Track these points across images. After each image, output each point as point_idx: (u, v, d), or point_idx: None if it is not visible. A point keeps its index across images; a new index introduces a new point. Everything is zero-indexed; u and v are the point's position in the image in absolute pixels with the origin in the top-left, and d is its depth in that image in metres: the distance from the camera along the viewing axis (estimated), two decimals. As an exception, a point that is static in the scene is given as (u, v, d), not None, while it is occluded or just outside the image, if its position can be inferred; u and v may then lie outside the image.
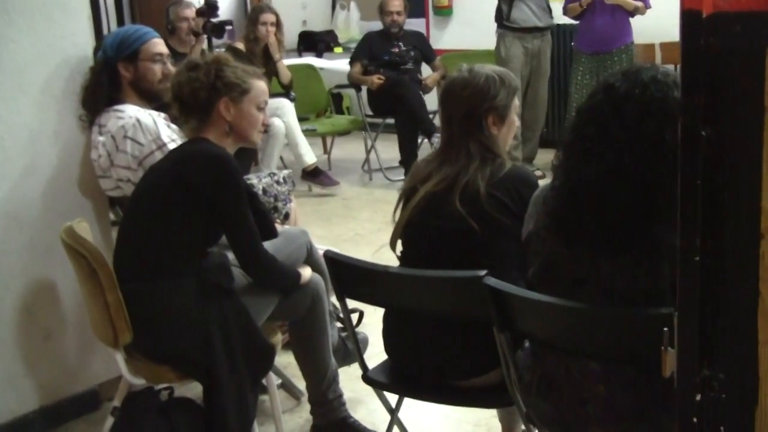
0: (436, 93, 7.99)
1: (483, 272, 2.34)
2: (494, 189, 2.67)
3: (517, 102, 2.85)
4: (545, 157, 7.50)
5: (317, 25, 10.47)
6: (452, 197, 2.67)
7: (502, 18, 7.14)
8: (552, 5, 7.22)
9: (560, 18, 7.32)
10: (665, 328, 1.49)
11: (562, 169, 2.28)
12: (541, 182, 2.68)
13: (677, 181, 2.00)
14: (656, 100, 2.10)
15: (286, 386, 3.71)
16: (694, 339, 1.25)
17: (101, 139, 3.39)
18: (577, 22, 7.04)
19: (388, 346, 2.90)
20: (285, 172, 4.00)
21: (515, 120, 2.86)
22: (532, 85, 7.24)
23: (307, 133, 7.31)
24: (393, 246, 2.88)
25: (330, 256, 2.70)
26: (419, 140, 7.47)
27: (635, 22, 6.84)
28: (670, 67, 2.26)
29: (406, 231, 2.82)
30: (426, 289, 2.60)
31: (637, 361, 2.18)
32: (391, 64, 7.52)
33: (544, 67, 7.28)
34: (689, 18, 1.16)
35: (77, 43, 3.49)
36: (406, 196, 2.86)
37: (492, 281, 2.32)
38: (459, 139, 2.76)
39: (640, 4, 6.66)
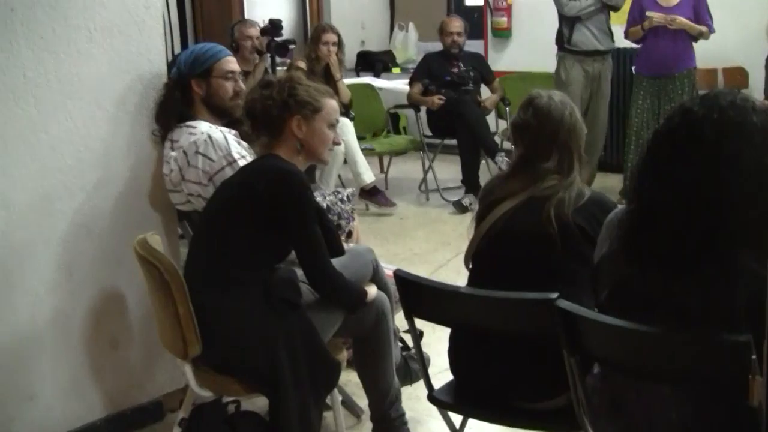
0: (495, 115, 8.01)
1: (554, 294, 2.35)
2: (576, 215, 2.72)
3: None
4: (603, 180, 7.47)
5: (375, 46, 10.53)
6: (542, 216, 2.73)
7: (563, 41, 7.12)
8: (613, 28, 7.19)
9: (621, 41, 7.29)
10: (753, 356, 1.49)
11: (636, 192, 2.29)
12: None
13: (755, 205, 2.02)
14: (735, 124, 2.10)
15: (347, 403, 3.71)
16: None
17: (173, 154, 3.45)
18: (639, 46, 6.99)
19: (454, 365, 2.90)
20: (348, 190, 4.03)
21: None
22: (592, 108, 7.17)
23: (365, 152, 7.32)
24: (468, 261, 2.90)
25: (400, 275, 2.71)
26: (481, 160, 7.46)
27: (697, 46, 6.77)
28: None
29: (483, 246, 2.85)
30: (496, 310, 2.59)
31: (711, 387, 2.17)
32: (451, 85, 7.52)
33: (604, 90, 7.23)
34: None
35: (152, 60, 3.55)
36: (482, 213, 2.90)
37: (563, 304, 2.31)
38: (541, 159, 2.84)
39: (704, 28, 6.57)
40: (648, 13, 6.60)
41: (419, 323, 2.85)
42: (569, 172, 2.83)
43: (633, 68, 7.29)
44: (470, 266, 2.93)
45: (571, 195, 2.76)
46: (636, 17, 6.76)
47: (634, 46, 7.17)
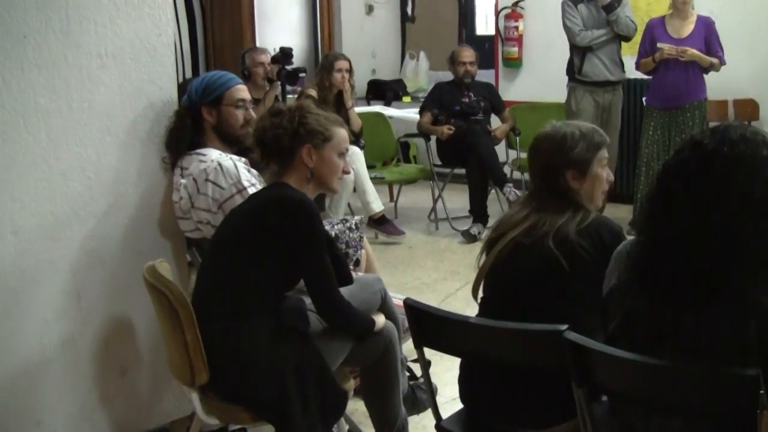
0: (505, 144, 8.01)
1: (564, 326, 2.33)
2: (580, 236, 2.70)
3: (604, 155, 2.88)
4: (613, 211, 7.44)
5: (386, 74, 10.55)
6: (543, 241, 2.71)
7: (573, 71, 7.14)
8: (624, 59, 7.20)
9: (632, 72, 7.30)
10: (762, 391, 1.49)
11: (646, 224, 2.28)
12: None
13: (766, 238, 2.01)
14: (746, 157, 2.10)
15: (354, 433, 3.71)
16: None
17: (183, 181, 3.46)
18: (650, 77, 7.00)
19: (463, 393, 2.89)
20: (357, 218, 4.02)
21: (601, 173, 2.88)
22: (602, 138, 7.17)
23: (375, 180, 7.32)
24: (475, 292, 2.89)
25: (410, 304, 2.70)
26: (490, 190, 7.46)
27: (708, 78, 6.77)
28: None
29: (490, 277, 2.84)
30: (505, 341, 2.58)
31: (720, 421, 2.16)
32: (461, 114, 7.53)
33: (615, 121, 7.22)
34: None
35: (163, 87, 3.56)
36: (490, 243, 2.88)
37: (572, 335, 2.30)
38: (544, 191, 2.84)
39: (715, 60, 6.55)
40: (659, 45, 6.60)
41: (427, 352, 2.84)
42: (571, 201, 2.81)
43: (644, 99, 7.29)
44: (478, 297, 2.91)
45: (575, 218, 2.75)
46: (647, 48, 6.77)
47: (645, 77, 7.18)
